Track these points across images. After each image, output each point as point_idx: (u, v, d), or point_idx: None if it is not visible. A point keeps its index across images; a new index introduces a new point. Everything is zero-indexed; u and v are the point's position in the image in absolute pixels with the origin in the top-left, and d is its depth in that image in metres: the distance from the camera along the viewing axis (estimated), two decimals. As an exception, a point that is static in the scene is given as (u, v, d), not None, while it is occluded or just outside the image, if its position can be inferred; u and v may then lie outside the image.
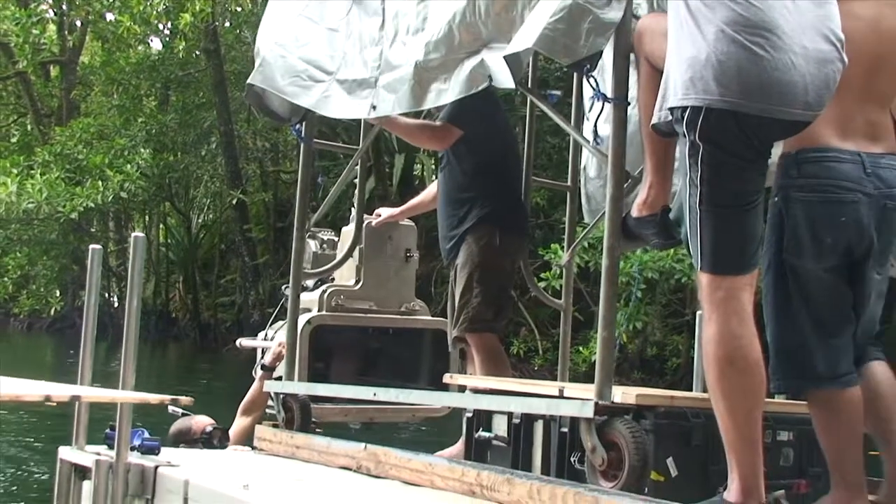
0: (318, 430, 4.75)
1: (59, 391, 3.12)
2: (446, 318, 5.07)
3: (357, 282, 5.42)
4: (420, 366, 5.50)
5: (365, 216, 5.45)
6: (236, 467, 4.20)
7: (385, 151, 21.25)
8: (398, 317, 5.43)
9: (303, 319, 5.08)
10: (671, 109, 3.09)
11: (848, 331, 3.30)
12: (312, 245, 5.53)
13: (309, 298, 5.31)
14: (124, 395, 3.58)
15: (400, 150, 21.16)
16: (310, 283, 5.45)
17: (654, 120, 3.25)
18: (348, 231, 5.38)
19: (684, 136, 3.05)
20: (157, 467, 3.79)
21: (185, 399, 3.42)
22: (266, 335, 5.59)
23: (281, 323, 5.26)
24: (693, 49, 3.01)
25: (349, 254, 5.28)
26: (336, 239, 5.66)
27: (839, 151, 3.20)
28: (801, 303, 3.24)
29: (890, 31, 3.29)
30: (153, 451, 4.12)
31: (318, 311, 5.30)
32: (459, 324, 4.77)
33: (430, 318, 5.65)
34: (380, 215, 5.58)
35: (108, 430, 4.12)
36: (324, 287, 5.38)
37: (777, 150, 4.32)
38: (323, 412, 5.04)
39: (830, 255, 3.23)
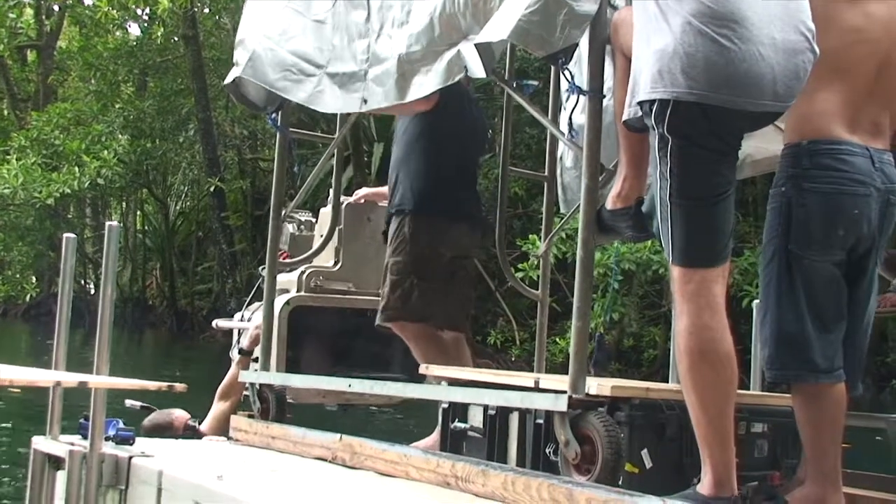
0: (288, 415, 4.74)
1: (68, 378, 3.11)
2: None
3: (336, 263, 5.40)
4: (397, 349, 5.47)
5: (343, 198, 5.43)
6: (211, 458, 4.19)
7: (364, 140, 21.23)
8: (377, 298, 5.41)
9: (281, 300, 5.07)
10: (640, 103, 3.09)
11: (842, 327, 3.32)
12: (290, 227, 5.51)
13: (287, 279, 5.29)
14: (126, 382, 3.56)
15: (379, 139, 21.12)
16: None
17: (625, 116, 3.25)
18: (326, 212, 5.36)
19: (653, 129, 3.05)
20: (131, 458, 3.77)
21: (180, 386, 3.41)
22: (242, 316, 5.56)
23: (258, 304, 5.23)
24: (660, 42, 3.01)
25: (329, 238, 5.24)
26: (314, 220, 5.64)
27: (851, 144, 3.22)
28: (804, 294, 3.24)
29: None
30: (128, 441, 4.10)
31: (297, 291, 5.28)
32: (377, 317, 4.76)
33: None
34: (358, 195, 5.58)
35: (81, 420, 4.10)
36: (302, 267, 5.35)
37: (758, 142, 4.38)
38: (300, 393, 5.03)
39: (839, 248, 3.25)
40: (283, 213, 4.96)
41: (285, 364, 5.01)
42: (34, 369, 3.36)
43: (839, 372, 3.27)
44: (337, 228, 5.33)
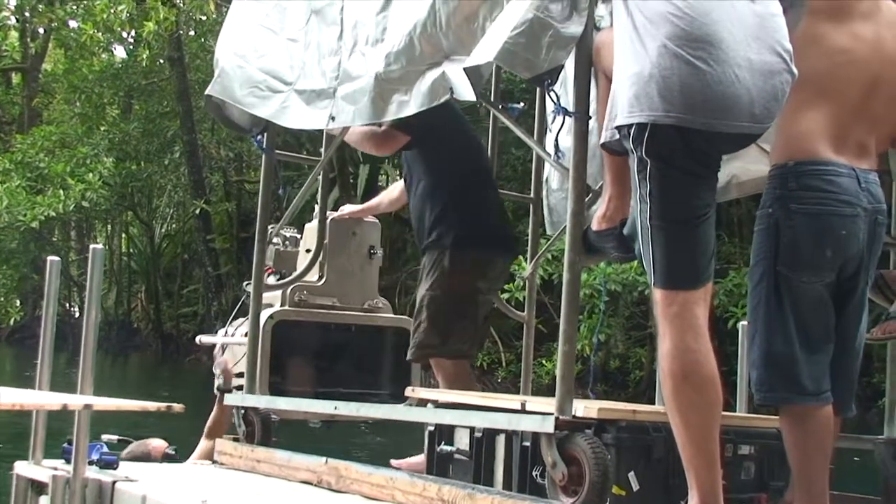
0: (274, 438, 4.72)
1: (73, 400, 3.13)
2: None
3: (320, 277, 5.37)
4: (382, 364, 5.46)
5: (328, 213, 5.42)
6: (195, 482, 4.16)
7: (349, 162, 21.23)
8: (361, 314, 5.39)
9: (265, 314, 5.04)
10: (618, 127, 3.09)
11: (829, 349, 3.32)
12: (275, 241, 5.46)
13: (273, 294, 5.27)
14: (128, 404, 3.54)
15: (364, 161, 21.14)
16: (271, 280, 5.39)
17: (603, 139, 3.26)
18: (312, 227, 5.34)
19: (632, 152, 3.06)
20: (114, 482, 3.75)
21: (177, 406, 3.39)
22: (227, 331, 5.53)
23: (242, 319, 5.20)
24: (637, 66, 3.01)
25: (317, 254, 5.22)
26: (298, 236, 5.61)
27: (837, 165, 3.23)
28: (793, 316, 3.24)
29: (889, 53, 3.33)
30: (111, 465, 4.08)
31: (281, 305, 5.24)
32: (409, 349, 4.71)
33: (393, 315, 5.62)
34: (343, 212, 5.55)
35: (65, 445, 4.08)
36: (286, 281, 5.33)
37: (743, 163, 4.39)
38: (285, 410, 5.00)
39: (828, 269, 3.25)
40: (269, 234, 4.96)
41: (269, 378, 4.97)
42: (34, 391, 3.33)
43: (826, 394, 3.27)
44: (323, 243, 5.31)
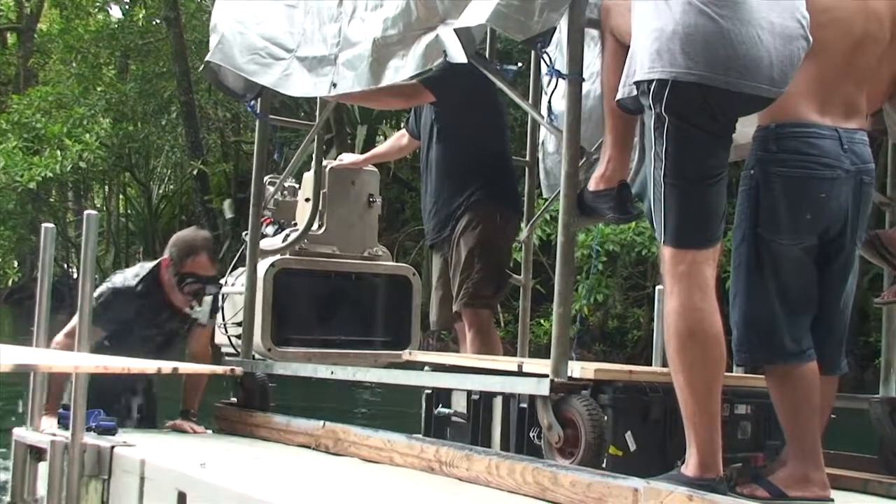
0: (272, 403, 4.74)
1: (138, 364, 3.19)
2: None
3: (320, 226, 5.37)
4: (383, 311, 5.47)
5: (326, 161, 5.44)
6: (194, 446, 4.18)
7: (347, 122, 21.13)
8: (361, 262, 5.40)
9: (266, 263, 5.06)
10: (637, 83, 3.07)
11: (811, 309, 3.33)
12: (271, 190, 5.43)
13: (272, 242, 5.27)
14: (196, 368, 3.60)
15: (362, 122, 21.04)
16: (269, 230, 5.40)
17: (620, 95, 3.24)
18: (309, 176, 5.33)
19: (650, 108, 3.04)
20: (113, 447, 3.75)
21: (238, 370, 3.45)
22: (226, 281, 5.54)
23: (241, 269, 5.18)
24: (659, 21, 2.99)
25: (316, 206, 5.22)
26: (297, 185, 5.60)
27: (818, 127, 3.22)
28: (772, 278, 3.26)
29: (876, 10, 3.31)
30: (110, 431, 4.09)
31: (282, 254, 5.24)
32: (459, 298, 4.80)
33: (393, 263, 5.65)
34: (342, 161, 5.56)
35: (61, 411, 4.09)
36: (287, 231, 5.33)
37: (742, 126, 4.37)
38: (286, 356, 5.04)
39: (808, 233, 3.25)
40: (264, 200, 4.96)
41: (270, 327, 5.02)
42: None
43: (809, 352, 3.29)
44: (321, 192, 5.31)
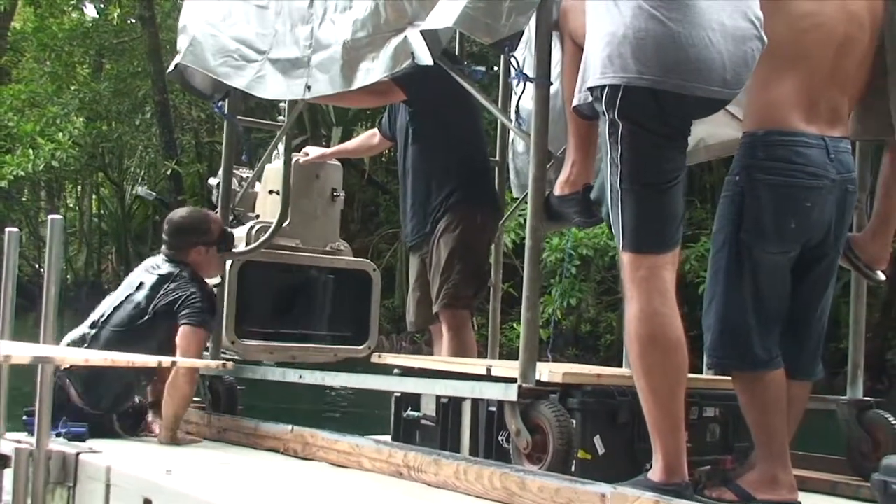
0: (240, 407, 4.70)
1: (141, 359, 3.20)
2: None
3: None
4: (344, 306, 5.45)
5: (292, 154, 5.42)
6: (161, 452, 4.15)
7: (322, 124, 21.08)
8: (324, 255, 5.38)
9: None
10: (590, 89, 3.07)
11: (781, 317, 3.35)
12: (233, 183, 5.39)
13: (237, 234, 5.21)
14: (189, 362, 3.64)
15: (338, 123, 21.00)
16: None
17: (575, 101, 3.24)
18: (273, 168, 5.30)
19: (604, 114, 3.04)
20: (78, 454, 3.71)
21: (230, 364, 3.60)
22: None
23: None
24: (611, 26, 2.99)
25: (287, 196, 5.13)
26: (247, 175, 5.54)
27: (806, 136, 3.23)
28: (751, 284, 3.27)
29: (856, 13, 3.32)
30: (81, 437, 4.05)
31: (245, 246, 5.18)
32: (440, 300, 4.79)
33: (354, 258, 5.61)
34: (307, 154, 5.52)
35: (25, 417, 4.04)
36: (252, 223, 5.28)
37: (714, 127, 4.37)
38: (248, 349, 5.02)
39: (792, 241, 3.26)
40: (232, 203, 4.93)
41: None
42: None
43: (777, 360, 3.31)
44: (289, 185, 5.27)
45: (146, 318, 4.48)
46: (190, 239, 4.68)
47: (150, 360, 3.23)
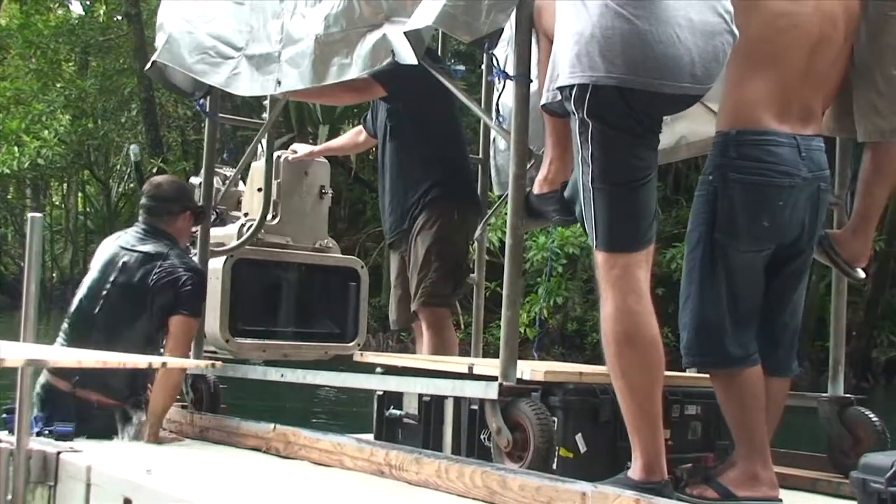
0: (223, 405, 4.70)
1: (132, 359, 3.17)
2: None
3: (275, 216, 5.35)
4: (332, 304, 5.46)
5: (280, 152, 5.41)
6: (142, 451, 4.13)
7: (309, 122, 21.05)
8: (313, 253, 5.39)
9: (221, 258, 5.01)
10: (559, 88, 3.06)
11: (756, 314, 3.36)
12: (215, 182, 5.38)
13: (225, 233, 5.22)
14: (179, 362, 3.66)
15: (324, 121, 20.96)
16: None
17: (544, 100, 3.24)
18: (258, 166, 5.29)
19: (573, 114, 3.03)
20: (59, 453, 3.69)
21: (219, 364, 3.49)
22: None
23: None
24: (578, 25, 2.99)
25: (268, 194, 5.16)
26: (230, 173, 5.53)
27: (778, 135, 3.24)
28: (725, 283, 3.28)
29: (830, 11, 3.32)
30: (67, 436, 4.03)
31: (237, 246, 5.16)
32: (417, 297, 4.79)
33: (343, 255, 5.63)
34: (295, 151, 5.52)
35: (4, 415, 4.02)
36: (242, 221, 5.28)
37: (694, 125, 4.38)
38: (242, 347, 5.02)
39: (765, 240, 3.27)
40: (213, 200, 4.91)
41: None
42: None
43: (754, 356, 3.32)
44: (274, 182, 5.28)
45: (136, 303, 4.35)
46: (180, 203, 4.59)
47: (139, 361, 3.19)
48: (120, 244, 4.50)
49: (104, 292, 4.40)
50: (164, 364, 3.90)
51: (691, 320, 3.32)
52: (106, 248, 4.55)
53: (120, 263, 4.43)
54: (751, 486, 3.29)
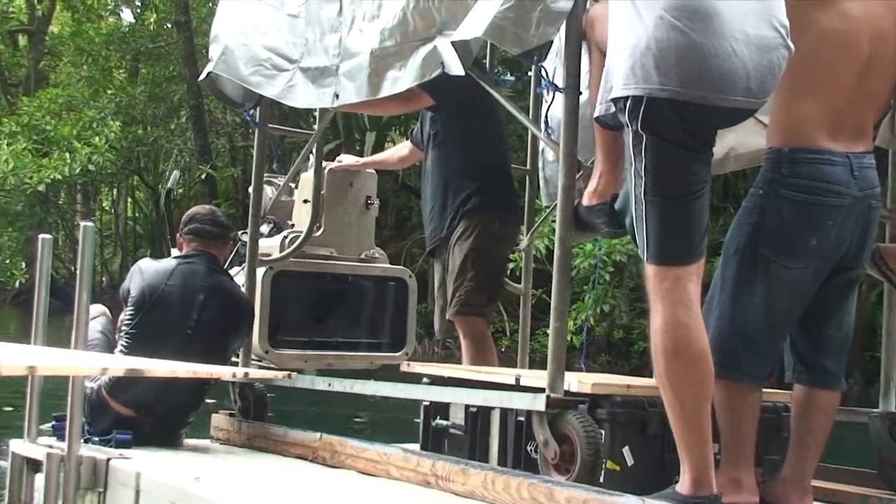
0: (270, 414, 4.73)
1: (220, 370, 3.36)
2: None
3: (318, 227, 5.32)
4: (379, 313, 5.46)
5: (325, 163, 5.40)
6: (190, 458, 4.17)
7: (356, 129, 21.13)
8: (358, 263, 5.38)
9: (264, 268, 5.03)
10: (614, 100, 3.05)
11: (787, 332, 3.35)
12: (269, 191, 5.39)
13: (269, 244, 5.22)
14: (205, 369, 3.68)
15: (371, 128, 21.03)
16: (265, 228, 5.33)
17: (597, 112, 3.23)
18: (307, 177, 5.29)
19: (627, 126, 3.02)
20: (108, 460, 3.75)
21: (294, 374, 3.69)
22: None
23: (236, 269, 5.14)
24: (633, 37, 2.97)
25: (317, 205, 5.14)
26: (291, 185, 5.58)
27: (832, 154, 3.21)
28: (763, 297, 3.24)
29: (880, 30, 3.29)
30: (127, 444, 4.08)
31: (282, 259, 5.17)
32: (451, 306, 4.78)
33: (390, 266, 5.60)
34: (341, 161, 5.54)
35: (54, 423, 4.07)
36: (285, 232, 5.28)
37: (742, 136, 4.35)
38: (282, 358, 5.02)
39: (812, 257, 3.24)
40: (262, 210, 4.94)
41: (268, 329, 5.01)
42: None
43: (770, 378, 3.32)
44: (319, 193, 5.29)
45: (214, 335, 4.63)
46: (230, 231, 4.85)
47: (223, 372, 3.24)
48: (195, 277, 4.72)
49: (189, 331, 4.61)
50: (246, 374, 4.01)
51: (717, 328, 3.26)
52: (180, 282, 4.70)
53: (200, 299, 4.68)
54: (734, 492, 3.25)
